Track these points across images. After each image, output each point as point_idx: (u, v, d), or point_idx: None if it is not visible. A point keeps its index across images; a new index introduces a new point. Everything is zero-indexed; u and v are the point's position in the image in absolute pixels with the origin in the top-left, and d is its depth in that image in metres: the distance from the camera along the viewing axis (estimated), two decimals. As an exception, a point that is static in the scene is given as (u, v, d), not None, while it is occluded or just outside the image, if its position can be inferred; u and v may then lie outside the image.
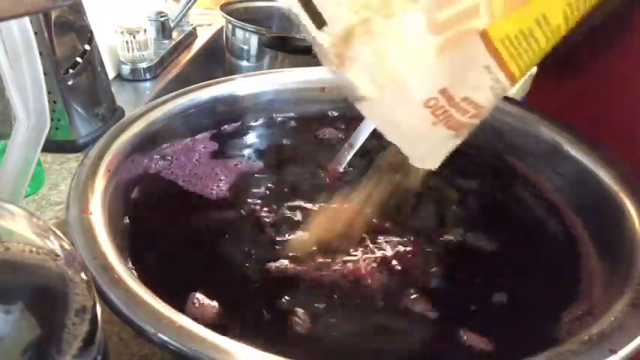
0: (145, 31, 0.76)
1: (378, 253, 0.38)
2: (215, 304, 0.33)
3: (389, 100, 0.29)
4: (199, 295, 0.33)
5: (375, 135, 0.46)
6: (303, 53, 0.75)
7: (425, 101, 0.29)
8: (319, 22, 0.27)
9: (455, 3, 0.27)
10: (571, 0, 0.29)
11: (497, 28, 0.28)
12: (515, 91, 0.66)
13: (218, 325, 0.30)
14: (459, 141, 0.32)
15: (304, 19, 0.28)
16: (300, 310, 0.33)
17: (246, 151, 0.49)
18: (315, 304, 0.34)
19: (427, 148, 0.32)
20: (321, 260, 0.37)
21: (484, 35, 0.28)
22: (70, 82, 0.57)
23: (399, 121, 0.30)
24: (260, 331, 0.32)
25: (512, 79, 0.29)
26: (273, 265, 0.36)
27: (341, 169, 0.47)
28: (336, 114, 0.54)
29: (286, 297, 0.34)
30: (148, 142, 0.44)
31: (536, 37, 0.28)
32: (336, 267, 0.36)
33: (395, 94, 0.29)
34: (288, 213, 0.41)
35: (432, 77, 0.28)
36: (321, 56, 0.29)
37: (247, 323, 0.32)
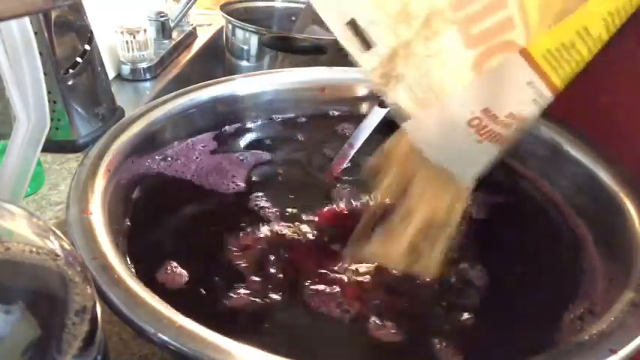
0: (145, 31, 0.76)
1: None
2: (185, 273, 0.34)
3: (433, 121, 0.30)
4: (174, 263, 0.34)
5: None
6: (303, 53, 0.75)
7: (469, 120, 0.29)
8: (367, 44, 0.29)
9: (489, 15, 0.27)
10: (611, 9, 0.29)
11: (538, 43, 0.28)
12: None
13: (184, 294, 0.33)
14: (499, 154, 0.32)
15: (349, 41, 0.29)
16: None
17: (247, 150, 0.49)
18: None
19: (472, 165, 0.33)
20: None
21: (524, 53, 0.28)
22: (70, 82, 0.57)
23: (444, 142, 0.31)
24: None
25: (555, 90, 0.30)
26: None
27: (341, 169, 0.47)
28: (336, 113, 0.54)
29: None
30: (148, 142, 0.44)
31: (578, 48, 0.29)
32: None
33: (439, 114, 0.29)
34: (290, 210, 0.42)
35: (473, 97, 0.29)
36: (370, 77, 0.30)
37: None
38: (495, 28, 0.28)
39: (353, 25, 0.28)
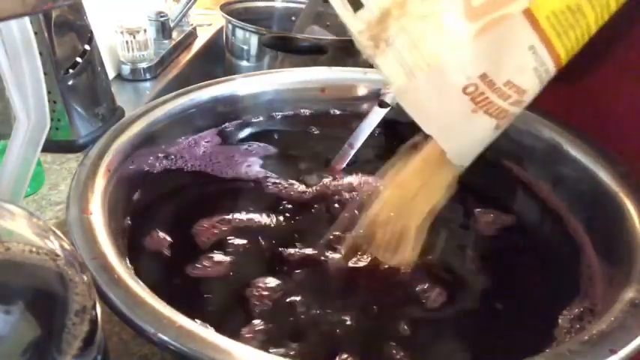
0: (145, 31, 0.76)
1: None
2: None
3: (426, 86, 0.28)
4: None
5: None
6: (303, 53, 0.75)
7: (464, 87, 0.28)
8: (356, 4, 0.27)
9: None
10: None
11: (543, 4, 0.26)
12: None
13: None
14: (498, 132, 0.30)
15: (337, 2, 0.27)
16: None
17: (252, 142, 0.50)
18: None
19: (465, 140, 0.31)
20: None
21: (528, 13, 0.26)
22: (70, 82, 0.57)
23: (437, 110, 0.29)
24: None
25: (558, 60, 0.28)
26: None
27: (341, 169, 0.47)
28: (337, 112, 0.54)
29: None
30: (149, 141, 0.44)
31: (584, 11, 0.27)
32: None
33: (432, 80, 0.28)
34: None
35: (471, 61, 0.27)
36: (355, 41, 0.28)
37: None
38: (498, 3, 0.26)
39: None
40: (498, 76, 0.28)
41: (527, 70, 0.28)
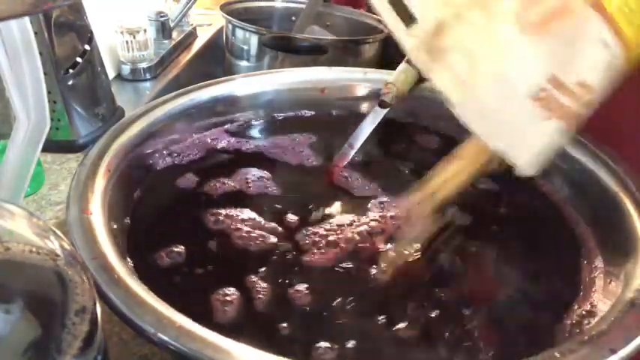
0: (145, 31, 0.76)
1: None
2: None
3: (489, 98, 0.27)
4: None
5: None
6: (303, 53, 0.75)
7: (532, 94, 0.26)
8: (408, 19, 0.26)
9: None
10: None
11: None
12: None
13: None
14: (567, 136, 0.29)
15: (390, 18, 0.26)
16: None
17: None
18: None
19: (536, 149, 0.29)
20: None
21: (597, 5, 0.25)
22: (70, 82, 0.57)
23: (503, 122, 0.27)
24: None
25: (629, 48, 0.26)
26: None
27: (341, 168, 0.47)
28: (337, 113, 0.54)
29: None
30: (149, 141, 0.44)
31: None
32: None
33: (496, 91, 0.26)
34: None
35: (537, 66, 0.26)
36: (409, 57, 0.27)
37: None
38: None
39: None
40: (568, 76, 0.26)
41: (599, 66, 0.27)
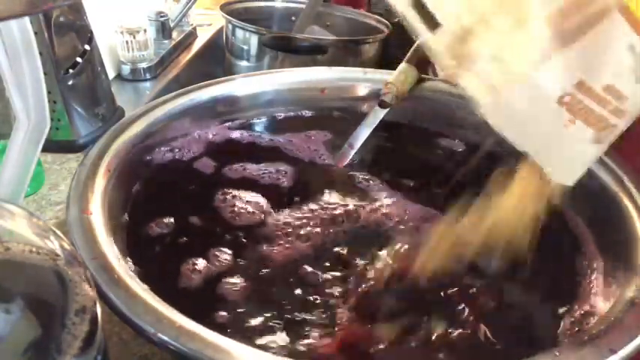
0: (145, 31, 0.76)
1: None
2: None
3: (517, 102, 0.27)
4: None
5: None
6: (303, 53, 0.75)
7: (559, 98, 0.26)
8: (432, 24, 0.26)
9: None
10: None
11: None
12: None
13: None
14: (601, 148, 0.29)
15: (414, 22, 0.26)
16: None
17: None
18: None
19: (565, 155, 0.29)
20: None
21: (624, 10, 0.25)
22: (70, 82, 0.57)
23: (531, 126, 0.28)
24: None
25: None
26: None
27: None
28: (337, 114, 0.54)
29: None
30: (149, 141, 0.44)
31: None
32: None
33: (524, 95, 0.27)
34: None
35: (565, 70, 0.26)
36: (435, 60, 0.27)
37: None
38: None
39: (417, 3, 0.26)
40: (596, 81, 0.26)
41: (626, 72, 0.27)
